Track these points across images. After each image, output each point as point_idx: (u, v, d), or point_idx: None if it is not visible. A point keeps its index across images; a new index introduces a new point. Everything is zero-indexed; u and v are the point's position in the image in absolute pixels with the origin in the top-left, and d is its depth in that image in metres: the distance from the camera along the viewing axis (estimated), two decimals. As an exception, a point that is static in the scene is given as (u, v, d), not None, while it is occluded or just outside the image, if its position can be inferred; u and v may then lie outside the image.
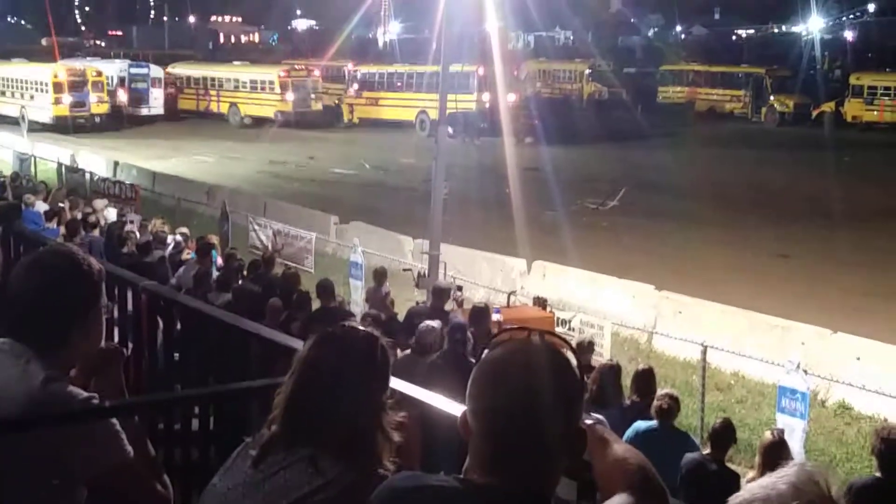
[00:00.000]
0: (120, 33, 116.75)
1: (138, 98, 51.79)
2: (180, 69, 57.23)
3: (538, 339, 2.20)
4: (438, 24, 17.04)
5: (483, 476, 2.14)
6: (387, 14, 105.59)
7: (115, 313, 4.65)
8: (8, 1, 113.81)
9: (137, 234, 16.53)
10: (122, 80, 51.63)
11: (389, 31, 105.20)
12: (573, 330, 15.02)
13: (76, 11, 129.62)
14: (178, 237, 16.56)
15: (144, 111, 51.59)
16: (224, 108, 52.97)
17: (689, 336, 14.54)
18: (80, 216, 17.94)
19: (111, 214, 20.07)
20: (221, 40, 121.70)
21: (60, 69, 48.45)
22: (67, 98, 46.62)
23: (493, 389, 2.15)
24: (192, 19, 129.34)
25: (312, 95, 51.71)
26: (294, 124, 48.84)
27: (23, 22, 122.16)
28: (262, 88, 51.50)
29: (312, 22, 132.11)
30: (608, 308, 16.55)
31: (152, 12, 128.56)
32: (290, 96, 50.47)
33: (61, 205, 19.64)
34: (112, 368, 3.30)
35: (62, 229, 16.65)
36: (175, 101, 55.00)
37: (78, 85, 47.29)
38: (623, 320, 16.05)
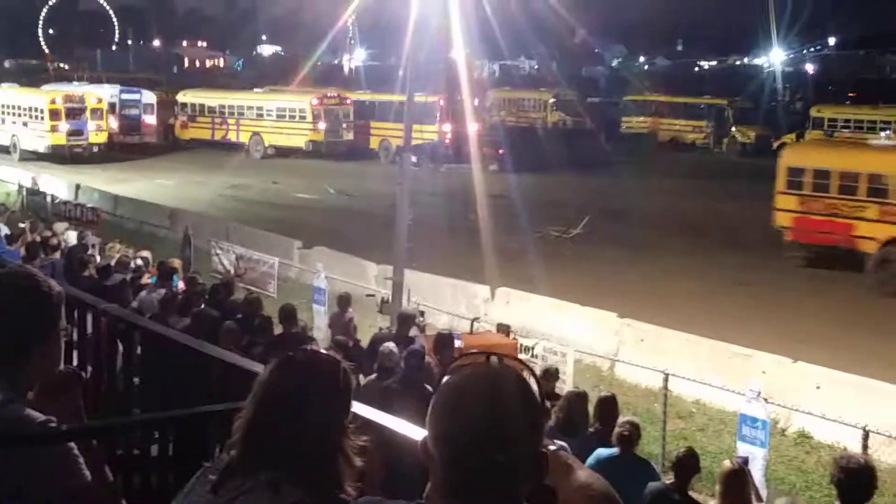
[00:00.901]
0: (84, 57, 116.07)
1: (130, 125, 49.26)
2: (192, 97, 53.59)
3: (497, 363, 2.19)
4: (405, 53, 17.05)
5: (443, 501, 2.12)
6: (352, 41, 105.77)
7: (75, 336, 4.60)
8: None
9: (98, 258, 16.39)
10: (112, 107, 48.54)
11: (355, 59, 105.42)
12: (536, 357, 15.01)
13: (39, 33, 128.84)
14: (139, 261, 16.42)
15: (136, 139, 49.01)
16: (244, 138, 49.65)
17: (651, 364, 14.58)
18: (40, 239, 17.77)
19: (72, 237, 19.89)
20: (186, 65, 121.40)
21: (58, 95, 45.88)
22: (65, 126, 44.14)
23: (451, 415, 2.13)
24: (156, 43, 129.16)
25: (344, 125, 48.77)
26: (325, 155, 46.98)
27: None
28: (292, 117, 48.57)
29: (278, 48, 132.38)
30: (571, 335, 16.56)
31: (116, 36, 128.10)
32: (321, 125, 47.55)
33: (21, 226, 19.46)
34: (70, 392, 3.27)
35: (22, 251, 16.47)
36: (172, 128, 52.79)
37: (76, 112, 44.73)
38: (586, 347, 16.08)
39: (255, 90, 56.57)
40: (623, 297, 19.72)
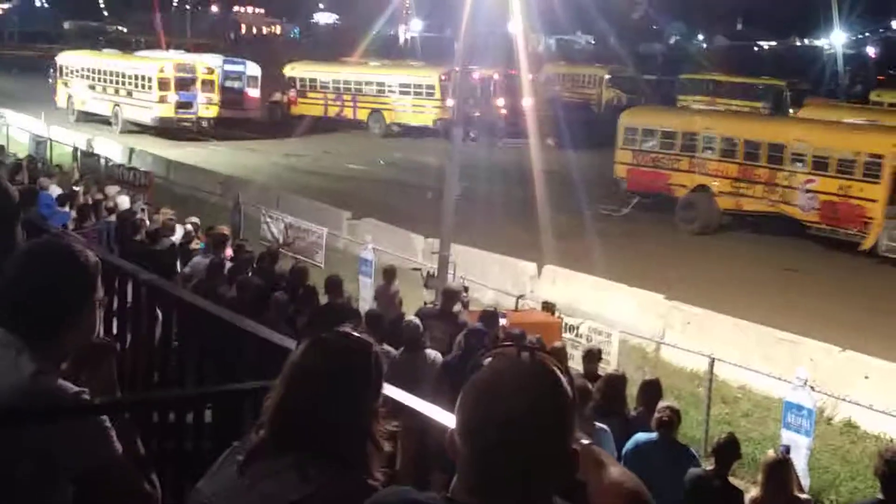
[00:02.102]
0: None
1: (233, 99, 44.68)
2: (301, 70, 49.61)
3: (528, 357, 2.14)
4: (462, 25, 16.91)
5: (470, 497, 2.08)
6: (409, 12, 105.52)
7: (115, 305, 4.61)
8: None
9: (148, 222, 16.52)
10: None
11: (411, 29, 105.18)
12: (581, 336, 14.95)
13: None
14: (189, 227, 16.52)
15: (239, 114, 44.41)
16: (363, 115, 46.43)
17: (696, 347, 14.46)
18: (91, 201, 17.95)
19: (124, 201, 20.05)
20: (243, 31, 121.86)
21: (168, 63, 42.45)
22: (174, 97, 40.84)
23: (479, 410, 2.09)
24: (214, 9, 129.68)
25: (472, 101, 42.64)
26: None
27: (44, 3, 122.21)
28: (418, 93, 44.97)
29: (335, 16, 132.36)
30: (617, 316, 16.47)
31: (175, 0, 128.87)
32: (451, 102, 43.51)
33: (75, 189, 19.65)
34: (104, 363, 3.26)
35: (73, 213, 16.65)
36: (279, 104, 48.83)
37: (186, 83, 41.25)
38: (631, 329, 15.97)
39: (373, 63, 52.73)
40: (671, 278, 19.59)
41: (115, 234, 15.87)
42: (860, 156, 24.11)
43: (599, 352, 12.33)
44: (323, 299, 12.39)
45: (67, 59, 47.66)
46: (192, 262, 13.72)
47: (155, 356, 4.55)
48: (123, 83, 42.59)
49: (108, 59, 46.32)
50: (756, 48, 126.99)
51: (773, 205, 25.95)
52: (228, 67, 46.48)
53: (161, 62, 42.85)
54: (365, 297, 16.59)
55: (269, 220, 22.66)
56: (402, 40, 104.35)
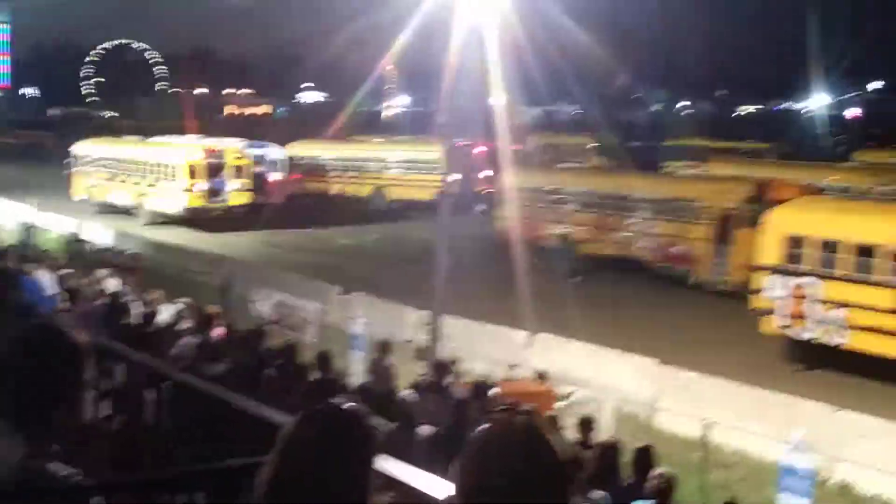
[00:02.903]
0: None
1: (257, 185, 41.87)
2: (301, 149, 48.39)
3: (522, 422, 2.16)
4: (443, 98, 17.11)
5: None
6: (394, 88, 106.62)
7: (106, 385, 4.60)
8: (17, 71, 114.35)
9: (139, 305, 16.50)
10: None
11: (398, 105, 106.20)
12: (574, 404, 14.88)
13: (84, 82, 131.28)
14: (177, 307, 16.49)
15: (261, 200, 41.00)
16: (365, 192, 45.85)
17: (691, 411, 14.42)
18: (80, 285, 17.91)
19: (112, 284, 20.02)
20: (231, 112, 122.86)
21: (197, 150, 40.16)
22: (203, 185, 38.51)
23: (476, 475, 2.11)
24: (199, 91, 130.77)
25: (472, 175, 43.69)
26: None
27: (30, 91, 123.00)
28: (421, 169, 43.80)
29: (321, 95, 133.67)
30: (610, 382, 16.42)
31: (159, 84, 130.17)
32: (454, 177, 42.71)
33: (62, 273, 19.61)
34: (96, 444, 3.25)
35: (62, 298, 16.60)
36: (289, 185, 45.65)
37: (216, 169, 38.95)
38: (625, 394, 15.92)
39: (375, 140, 52.32)
40: (655, 339, 19.59)
41: (104, 316, 15.83)
42: (689, 203, 27.59)
43: (593, 420, 12.29)
44: (314, 375, 12.35)
45: (84, 148, 45.66)
46: (181, 343, 13.67)
47: (146, 436, 4.53)
48: (148, 172, 40.48)
49: (131, 147, 44.14)
50: (738, 112, 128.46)
51: (622, 249, 29.04)
52: (251, 151, 43.78)
53: (189, 148, 40.69)
54: (356, 372, 16.51)
55: (258, 297, 22.62)
56: (388, 115, 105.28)
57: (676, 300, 25.72)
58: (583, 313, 20.89)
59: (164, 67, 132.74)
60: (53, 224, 33.34)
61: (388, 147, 48.68)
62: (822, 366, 18.86)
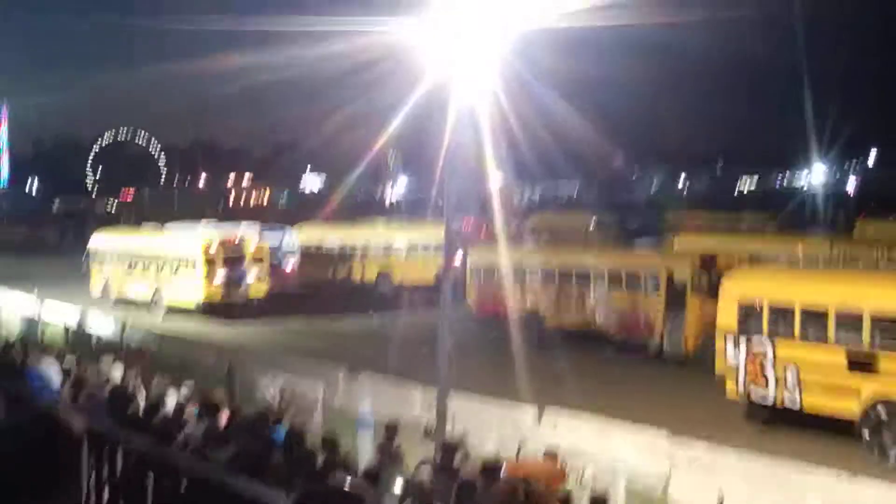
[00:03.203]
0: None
1: (276, 272, 41.63)
2: (305, 235, 47.32)
3: (524, 491, 2.09)
4: (440, 182, 17.19)
5: None
6: (394, 172, 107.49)
7: (105, 473, 4.50)
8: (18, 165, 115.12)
9: (144, 393, 16.39)
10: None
11: (396, 190, 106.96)
12: (586, 481, 14.69)
13: (87, 176, 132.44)
14: (184, 390, 16.38)
15: (278, 287, 40.69)
16: (371, 276, 44.75)
17: (704, 483, 14.23)
18: (85, 374, 17.80)
19: (117, 374, 19.92)
20: (232, 201, 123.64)
21: (214, 240, 38.71)
22: (221, 276, 37.62)
23: None
24: (202, 182, 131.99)
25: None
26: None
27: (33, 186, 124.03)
28: (425, 251, 42.55)
29: (322, 179, 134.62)
30: (621, 457, 16.22)
31: (162, 176, 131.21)
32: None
33: (67, 363, 19.52)
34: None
35: (67, 389, 16.48)
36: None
37: (234, 260, 38.05)
38: (637, 469, 15.72)
39: (380, 225, 50.66)
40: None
41: (108, 407, 15.70)
42: (644, 274, 28.74)
43: (607, 497, 12.09)
44: (320, 458, 12.16)
45: (101, 240, 44.17)
46: (187, 430, 13.53)
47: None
48: (164, 263, 39.30)
49: (147, 238, 42.60)
50: (737, 188, 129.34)
51: (584, 320, 30.19)
52: (269, 235, 43.66)
53: (207, 239, 38.91)
54: (365, 453, 16.33)
55: (263, 382, 22.49)
56: (387, 202, 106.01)
57: (637, 368, 26.84)
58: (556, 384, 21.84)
59: (163, 159, 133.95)
60: (57, 316, 33.24)
61: (391, 230, 47.93)
62: (785, 425, 19.75)
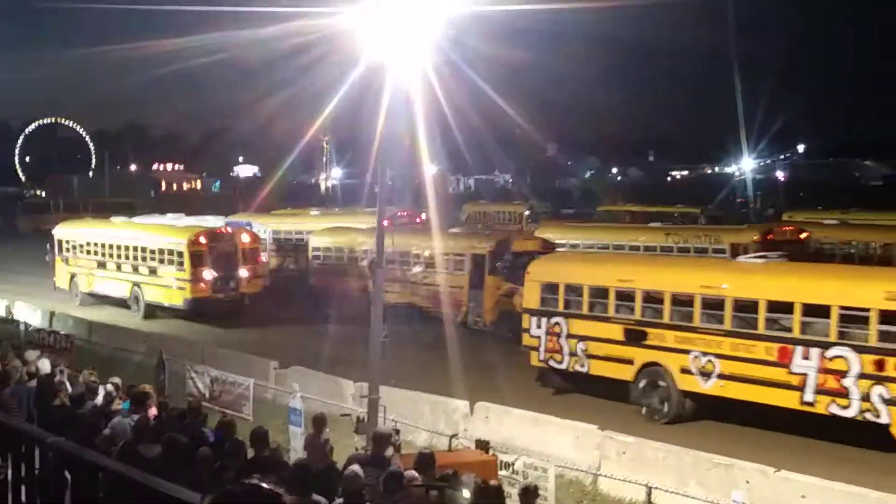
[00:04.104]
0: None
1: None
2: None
3: (436, 496, 2.07)
4: (374, 170, 17.10)
5: None
6: (329, 160, 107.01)
7: (22, 472, 4.41)
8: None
9: (69, 386, 16.14)
10: None
11: (332, 177, 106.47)
12: (517, 473, 14.73)
13: (16, 161, 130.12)
14: (110, 387, 16.14)
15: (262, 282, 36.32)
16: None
17: (633, 476, 14.35)
18: (11, 368, 17.48)
19: (45, 366, 19.58)
20: (163, 188, 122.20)
21: (201, 232, 34.62)
22: (209, 273, 33.58)
23: None
24: (133, 167, 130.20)
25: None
26: None
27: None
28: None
29: (255, 168, 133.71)
30: (552, 450, 16.33)
31: (93, 161, 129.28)
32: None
33: (-9, 356, 19.16)
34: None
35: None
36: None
37: (225, 254, 34.26)
38: (568, 461, 15.82)
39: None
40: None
41: (34, 398, 15.46)
42: (453, 256, 31.61)
43: (536, 488, 12.12)
44: (251, 452, 12.07)
45: (68, 231, 40.75)
46: (113, 423, 13.34)
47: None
48: (145, 258, 35.29)
49: (122, 230, 38.22)
50: (669, 178, 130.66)
51: (409, 297, 32.39)
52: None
53: (193, 231, 34.97)
54: (296, 447, 16.23)
55: (194, 374, 22.26)
56: (323, 188, 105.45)
57: (446, 337, 26.94)
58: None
59: (93, 145, 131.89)
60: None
61: (322, 219, 46.15)
62: (577, 390, 22.44)
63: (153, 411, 14.57)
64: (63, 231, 40.84)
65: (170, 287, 33.96)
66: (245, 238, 35.44)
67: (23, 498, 4.42)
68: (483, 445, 15.17)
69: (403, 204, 43.38)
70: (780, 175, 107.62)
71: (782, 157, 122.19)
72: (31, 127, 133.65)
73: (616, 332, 21.28)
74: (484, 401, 18.90)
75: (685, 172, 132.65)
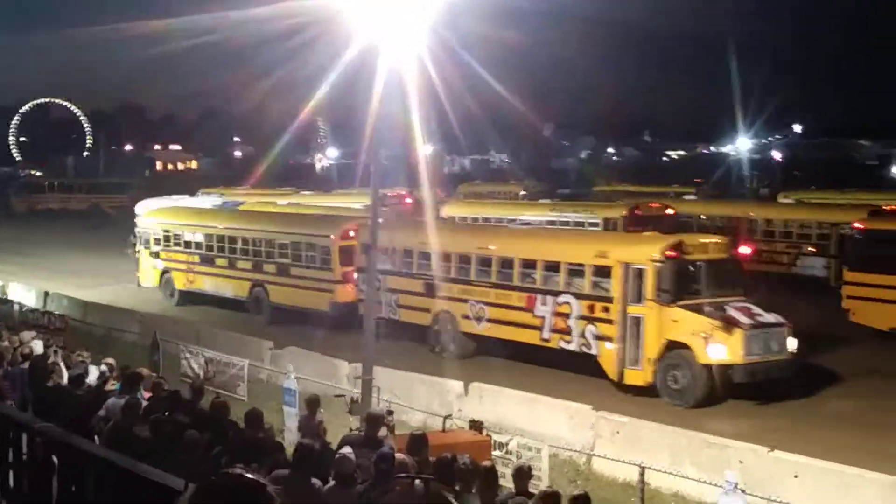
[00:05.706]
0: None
1: None
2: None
3: (422, 489, 2.05)
4: (367, 150, 17.05)
5: None
6: (324, 140, 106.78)
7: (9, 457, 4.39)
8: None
9: (62, 366, 16.12)
10: None
11: (327, 157, 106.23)
12: (511, 453, 14.76)
13: (11, 141, 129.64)
14: (103, 367, 16.12)
15: None
16: None
17: (627, 456, 14.37)
18: (4, 348, 17.46)
19: (38, 346, 19.56)
20: (158, 168, 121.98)
21: (350, 224, 28.67)
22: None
23: None
24: (128, 147, 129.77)
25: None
26: None
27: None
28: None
29: (250, 148, 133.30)
30: (546, 429, 16.33)
31: (88, 142, 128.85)
32: None
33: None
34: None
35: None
36: None
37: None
38: (562, 441, 15.84)
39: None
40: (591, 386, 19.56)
41: (28, 379, 15.44)
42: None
43: (530, 468, 12.11)
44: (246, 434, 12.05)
45: (158, 218, 34.81)
46: (107, 404, 13.32)
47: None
48: (271, 251, 30.20)
49: (235, 214, 34.31)
50: (664, 157, 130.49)
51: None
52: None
53: (336, 220, 30.49)
54: (290, 428, 16.25)
55: (188, 355, 22.24)
56: (318, 168, 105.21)
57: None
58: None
59: (89, 125, 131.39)
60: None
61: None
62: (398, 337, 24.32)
63: (146, 393, 14.55)
64: (152, 218, 35.27)
65: (308, 288, 28.76)
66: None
67: (10, 483, 4.41)
68: (477, 426, 15.17)
69: (395, 185, 43.26)
70: (776, 155, 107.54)
71: (779, 137, 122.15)
72: (26, 107, 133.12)
73: (419, 286, 25.56)
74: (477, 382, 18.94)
75: (681, 152, 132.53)
